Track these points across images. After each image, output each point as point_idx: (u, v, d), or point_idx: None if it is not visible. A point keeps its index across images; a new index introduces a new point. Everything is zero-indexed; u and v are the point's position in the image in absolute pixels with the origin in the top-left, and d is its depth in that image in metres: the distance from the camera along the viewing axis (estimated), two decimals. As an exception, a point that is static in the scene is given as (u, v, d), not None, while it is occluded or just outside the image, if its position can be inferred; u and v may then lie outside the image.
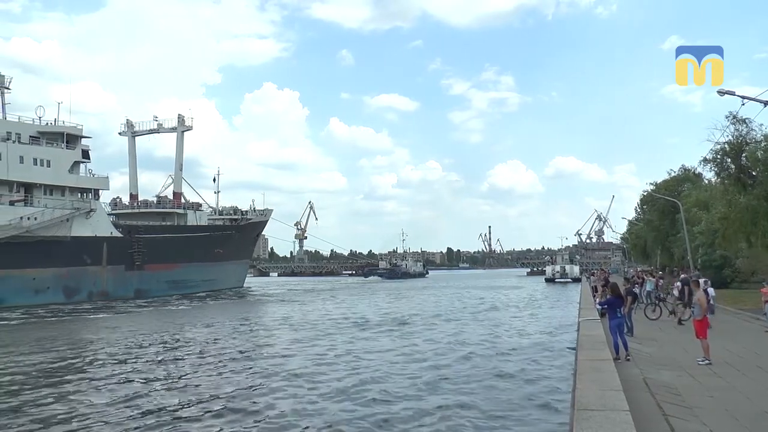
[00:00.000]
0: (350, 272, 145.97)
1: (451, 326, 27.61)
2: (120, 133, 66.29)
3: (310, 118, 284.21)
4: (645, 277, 25.29)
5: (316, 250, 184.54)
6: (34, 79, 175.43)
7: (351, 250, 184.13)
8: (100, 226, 49.70)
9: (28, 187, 45.71)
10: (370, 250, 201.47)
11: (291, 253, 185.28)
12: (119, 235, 51.14)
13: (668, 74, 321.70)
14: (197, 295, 54.96)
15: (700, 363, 10.08)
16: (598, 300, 19.03)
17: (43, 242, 43.79)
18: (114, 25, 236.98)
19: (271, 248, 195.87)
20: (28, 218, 43.83)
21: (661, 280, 23.62)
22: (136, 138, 66.30)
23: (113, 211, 57.98)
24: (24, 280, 42.91)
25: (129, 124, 65.55)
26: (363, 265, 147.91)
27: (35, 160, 45.69)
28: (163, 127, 64.89)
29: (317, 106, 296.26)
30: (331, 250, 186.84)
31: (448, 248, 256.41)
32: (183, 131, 64.53)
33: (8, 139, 44.43)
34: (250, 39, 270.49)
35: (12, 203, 44.01)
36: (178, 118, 64.23)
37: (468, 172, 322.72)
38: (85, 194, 49.58)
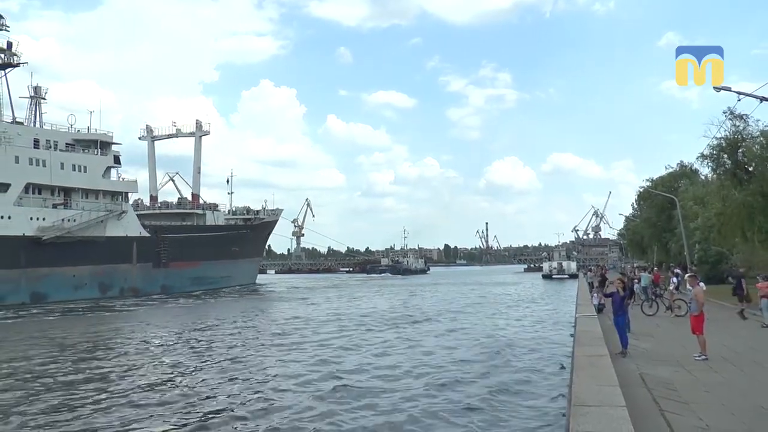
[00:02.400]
0: (348, 269, 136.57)
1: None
2: (140, 138, 66.67)
3: (307, 115, 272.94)
4: (636, 272, 24.67)
5: (313, 247, 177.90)
6: (33, 78, 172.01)
7: (348, 247, 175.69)
8: (131, 227, 50.37)
9: (67, 191, 46.53)
10: (368, 247, 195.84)
11: (288, 250, 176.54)
12: (147, 235, 51.76)
13: (666, 71, 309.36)
14: (229, 290, 54.95)
15: (697, 358, 9.69)
16: (598, 296, 18.49)
17: (81, 242, 44.68)
18: (112, 24, 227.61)
19: (269, 245, 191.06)
20: (68, 220, 44.89)
21: (662, 275, 23.05)
22: (142, 140, 66.23)
23: (136, 212, 58.12)
24: (65, 277, 43.74)
25: (149, 129, 65.99)
26: (362, 262, 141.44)
27: (74, 166, 46.53)
28: (182, 132, 65.18)
29: (315, 104, 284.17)
30: (329, 247, 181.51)
31: (446, 245, 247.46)
32: (200, 136, 64.96)
33: (49, 147, 45.26)
34: (247, 36, 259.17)
35: (55, 206, 45.00)
36: (196, 123, 64.84)
37: (466, 169, 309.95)
38: (116, 197, 50.28)
